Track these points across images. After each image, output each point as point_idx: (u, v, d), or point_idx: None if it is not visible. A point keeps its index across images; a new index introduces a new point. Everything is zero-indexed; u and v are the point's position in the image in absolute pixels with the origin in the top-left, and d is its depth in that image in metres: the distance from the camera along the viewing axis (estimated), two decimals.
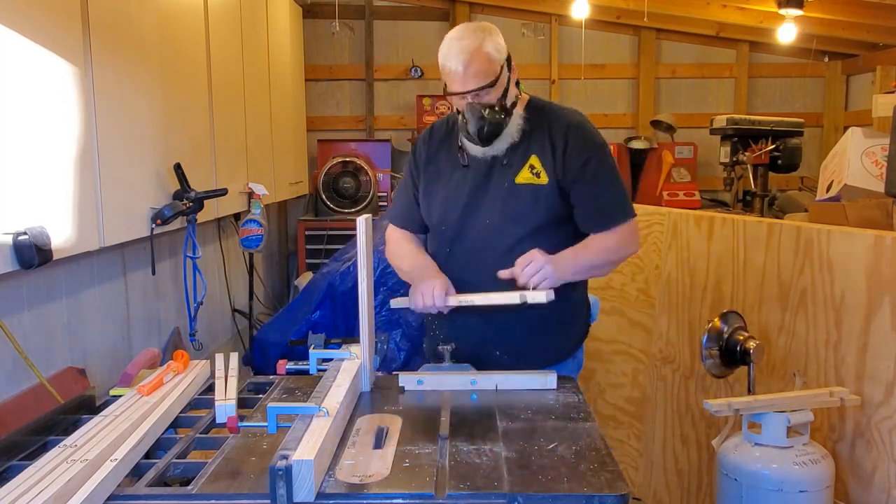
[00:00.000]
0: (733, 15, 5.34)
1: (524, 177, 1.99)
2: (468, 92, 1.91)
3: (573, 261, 1.97)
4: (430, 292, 1.96)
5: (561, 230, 2.01)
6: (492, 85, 1.90)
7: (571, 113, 2.06)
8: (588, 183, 1.98)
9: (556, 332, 2.09)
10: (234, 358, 1.92)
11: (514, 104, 1.98)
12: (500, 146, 1.99)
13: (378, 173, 5.30)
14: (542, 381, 1.85)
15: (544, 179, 1.98)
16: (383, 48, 5.80)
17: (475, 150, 2.00)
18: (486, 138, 1.95)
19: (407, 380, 1.85)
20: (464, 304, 1.97)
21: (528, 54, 5.90)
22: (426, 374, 1.88)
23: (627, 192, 2.08)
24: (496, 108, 1.93)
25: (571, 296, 2.09)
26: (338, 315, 3.61)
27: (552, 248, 1.96)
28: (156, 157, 2.58)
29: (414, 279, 2.06)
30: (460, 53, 1.88)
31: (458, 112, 1.98)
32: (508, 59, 1.96)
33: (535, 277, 1.88)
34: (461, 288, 2.01)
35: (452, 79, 1.91)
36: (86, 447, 1.38)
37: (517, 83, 2.04)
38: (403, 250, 2.17)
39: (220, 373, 1.85)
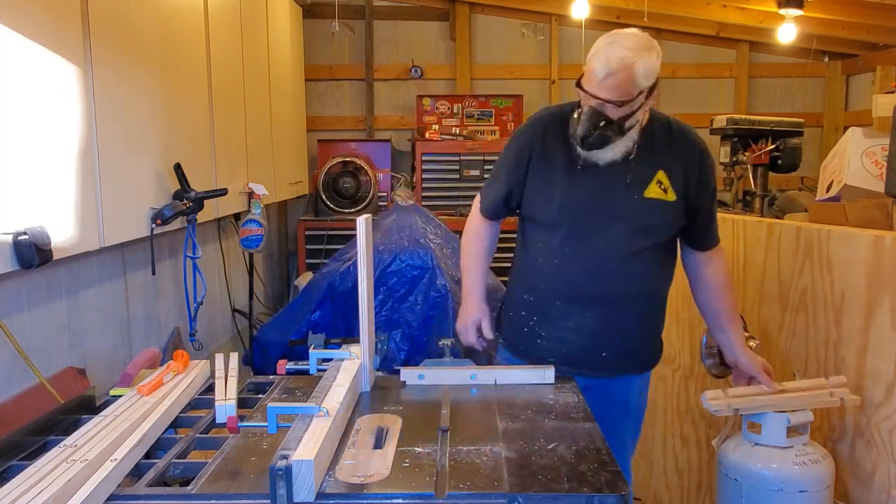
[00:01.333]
0: (733, 15, 5.34)
1: (653, 191, 2.01)
2: (597, 98, 1.87)
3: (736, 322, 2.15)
4: (466, 336, 2.17)
5: (673, 243, 2.13)
6: (621, 105, 1.87)
7: (697, 135, 2.10)
8: (709, 206, 2.10)
9: (656, 336, 2.19)
10: (234, 358, 1.92)
11: (633, 126, 1.95)
12: (601, 156, 1.98)
13: (378, 173, 5.30)
14: (540, 375, 1.86)
15: (672, 196, 2.02)
16: (383, 48, 5.80)
17: (583, 152, 1.98)
18: (587, 145, 1.94)
19: (408, 374, 1.86)
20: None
21: (528, 54, 5.90)
22: (426, 368, 1.89)
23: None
24: (612, 125, 1.90)
25: (664, 303, 2.18)
26: (338, 315, 3.61)
27: (665, 258, 2.10)
28: (156, 157, 2.58)
29: (464, 296, 2.21)
30: (611, 62, 1.82)
31: (580, 107, 1.95)
32: (653, 87, 1.91)
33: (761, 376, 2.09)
34: (583, 290, 2.04)
35: (591, 77, 1.87)
36: (86, 447, 1.38)
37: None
38: (474, 258, 2.22)
39: (220, 373, 1.85)
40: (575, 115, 1.96)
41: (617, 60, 1.82)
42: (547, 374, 1.86)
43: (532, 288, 2.11)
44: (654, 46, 1.88)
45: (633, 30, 1.90)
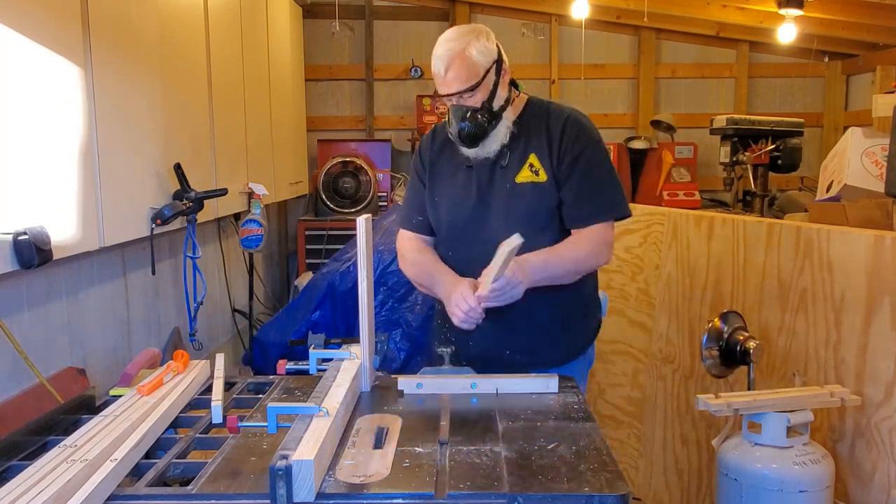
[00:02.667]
0: (733, 15, 5.34)
1: (524, 176, 2.00)
2: (450, 95, 1.93)
3: (543, 270, 1.93)
4: (464, 302, 1.89)
5: (564, 228, 2.03)
6: (472, 89, 1.90)
7: (570, 110, 2.07)
8: (577, 176, 1.98)
9: (568, 330, 2.09)
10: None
11: (503, 107, 1.97)
12: (489, 148, 1.99)
13: (378, 173, 5.30)
14: (544, 384, 1.83)
15: (543, 177, 1.98)
16: (383, 48, 5.81)
17: (467, 151, 2.01)
18: (466, 140, 1.96)
19: (406, 383, 1.84)
20: (488, 291, 1.87)
21: (528, 54, 5.90)
22: (425, 377, 1.88)
23: (618, 193, 2.04)
24: (479, 111, 1.93)
25: (582, 292, 2.09)
26: (338, 315, 3.61)
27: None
28: (156, 157, 2.58)
29: (440, 294, 2.04)
30: (443, 56, 1.90)
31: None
32: (499, 62, 1.95)
33: (507, 294, 1.85)
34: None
35: (437, 81, 1.95)
36: (86, 447, 1.38)
37: (514, 84, 2.04)
38: (428, 263, 2.10)
39: (218, 373, 1.85)
40: (446, 120, 2.00)
41: (446, 52, 1.90)
42: (551, 383, 1.82)
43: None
44: (479, 30, 1.94)
45: (453, 27, 1.98)
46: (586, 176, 1.98)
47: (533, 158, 2.00)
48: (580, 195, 1.98)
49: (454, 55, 1.89)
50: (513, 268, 1.85)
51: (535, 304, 1.96)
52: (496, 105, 1.96)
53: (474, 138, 1.96)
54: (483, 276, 1.87)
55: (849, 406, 2.09)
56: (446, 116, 2.00)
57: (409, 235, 2.19)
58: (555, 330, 2.06)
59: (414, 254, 2.15)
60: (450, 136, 2.01)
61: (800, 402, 2.06)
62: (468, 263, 2.02)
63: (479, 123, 1.93)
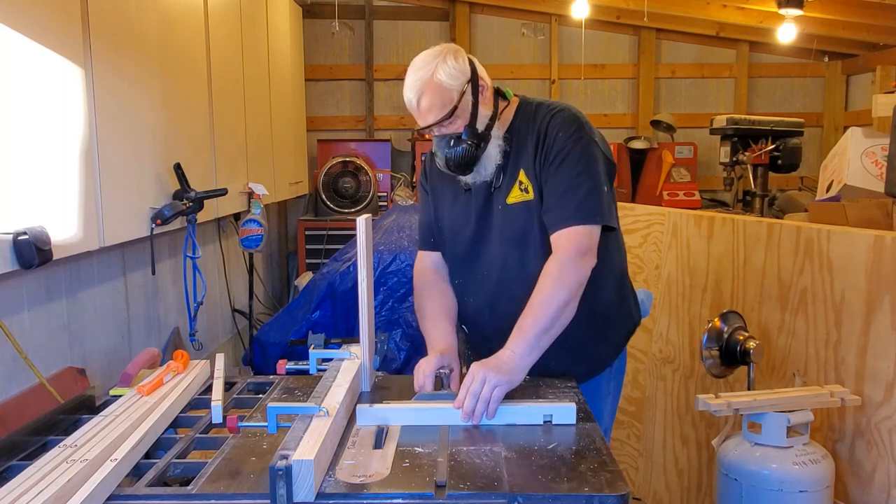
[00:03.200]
0: (733, 15, 5.35)
1: (514, 195, 1.84)
2: (428, 127, 1.80)
3: (521, 345, 1.68)
4: (420, 374, 1.76)
5: None
6: (449, 116, 1.77)
7: (559, 107, 1.88)
8: (554, 175, 1.79)
9: (590, 344, 1.93)
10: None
11: (489, 125, 1.82)
12: (485, 171, 1.85)
13: (378, 173, 5.30)
14: (559, 413, 1.61)
15: (531, 193, 1.82)
16: (383, 48, 5.81)
17: (467, 178, 1.87)
18: (456, 169, 1.83)
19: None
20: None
21: (528, 54, 5.90)
22: (420, 403, 1.67)
23: (598, 196, 1.79)
24: (463, 137, 1.78)
25: (595, 303, 1.87)
26: (338, 315, 3.61)
27: None
28: (156, 157, 2.58)
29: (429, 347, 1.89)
30: (411, 87, 1.80)
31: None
32: (474, 80, 1.79)
33: (483, 393, 1.58)
34: (480, 318, 1.91)
35: (415, 115, 1.83)
36: (86, 447, 1.38)
37: (500, 94, 1.89)
38: (429, 310, 1.96)
39: (218, 373, 1.85)
40: (432, 152, 1.90)
41: (413, 82, 1.80)
42: (566, 411, 1.61)
43: (462, 321, 2.02)
44: (445, 50, 1.81)
45: (423, 52, 1.86)
46: (561, 175, 1.78)
47: (522, 175, 1.84)
48: (552, 197, 1.79)
49: (423, 84, 1.78)
50: (474, 370, 1.62)
51: None
52: (480, 126, 1.80)
53: (464, 166, 1.81)
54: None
55: (849, 406, 2.09)
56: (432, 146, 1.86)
57: (428, 261, 2.03)
58: (574, 346, 1.85)
59: (421, 292, 2.00)
60: (438, 167, 1.88)
61: (800, 402, 2.06)
62: (471, 292, 1.94)
63: (466, 149, 1.78)
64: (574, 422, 1.59)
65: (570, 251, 1.74)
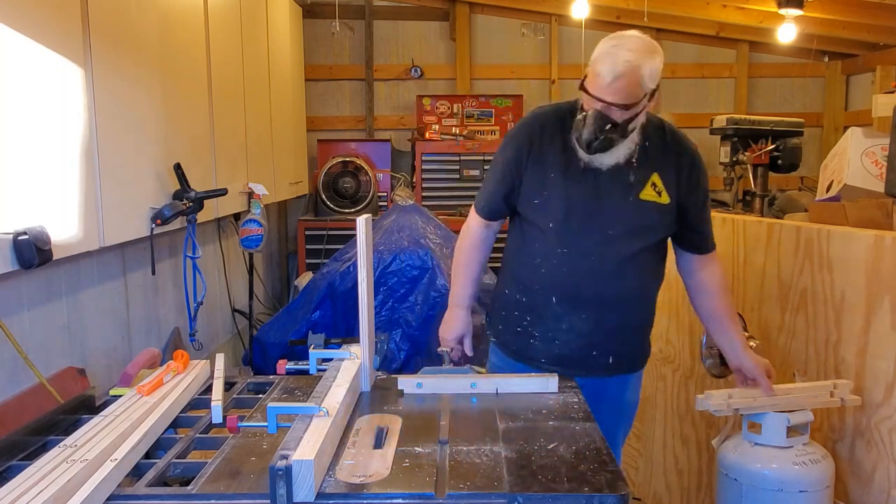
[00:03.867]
0: (733, 15, 5.34)
1: (647, 194, 2.01)
2: (605, 102, 1.85)
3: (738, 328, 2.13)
4: (454, 344, 2.17)
5: (664, 246, 2.13)
6: (628, 107, 1.86)
7: (688, 139, 2.12)
8: (702, 210, 2.09)
9: (646, 335, 2.19)
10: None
11: (634, 129, 1.95)
12: (604, 160, 1.97)
13: (378, 173, 5.31)
14: (543, 384, 1.84)
15: (666, 199, 2.02)
16: (383, 48, 5.80)
17: (584, 155, 1.97)
18: (592, 149, 1.92)
19: (406, 383, 1.84)
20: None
21: (528, 54, 5.90)
22: (425, 377, 1.88)
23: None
24: (617, 128, 1.89)
25: (654, 303, 2.18)
26: (338, 315, 3.61)
27: (658, 260, 2.11)
28: (156, 157, 2.58)
29: (450, 307, 2.20)
30: (617, 65, 1.81)
31: (583, 110, 1.92)
32: (656, 88, 1.91)
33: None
34: (578, 291, 2.03)
35: (597, 82, 1.85)
36: (86, 447, 1.38)
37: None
38: (468, 259, 2.21)
39: (218, 373, 1.85)
40: (579, 118, 1.93)
41: (624, 63, 1.81)
42: (550, 382, 1.84)
43: (527, 288, 2.09)
44: (657, 49, 1.88)
45: (635, 32, 1.89)
46: (707, 210, 2.11)
47: (656, 178, 2.01)
48: (703, 222, 2.10)
49: (629, 69, 1.81)
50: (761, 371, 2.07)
51: (624, 311, 2.06)
52: (633, 126, 1.93)
53: (599, 150, 1.93)
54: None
55: (849, 406, 2.09)
56: (581, 115, 1.92)
57: (480, 221, 2.18)
58: (636, 336, 2.16)
59: (470, 249, 2.21)
60: (576, 134, 1.94)
61: (799, 401, 2.06)
62: (577, 266, 2.02)
63: (612, 139, 1.91)
64: (556, 390, 1.82)
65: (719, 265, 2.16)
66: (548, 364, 2.04)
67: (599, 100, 1.85)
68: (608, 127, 1.88)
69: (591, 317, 2.04)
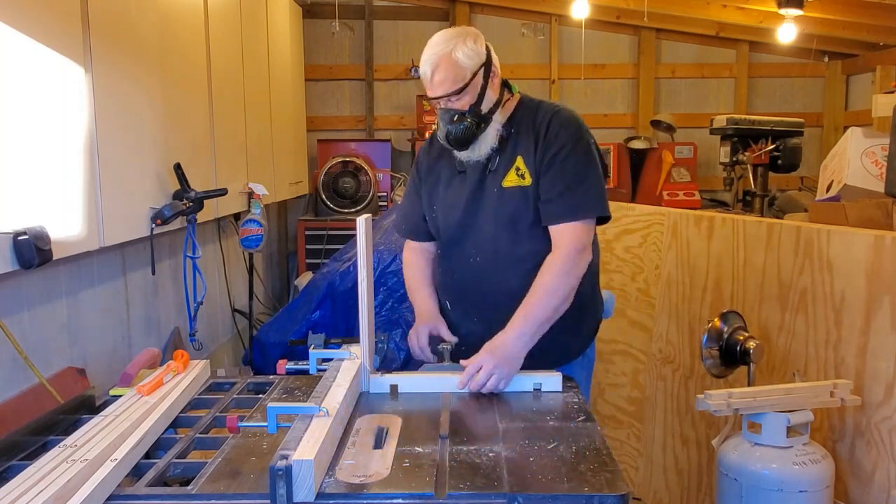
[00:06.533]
0: (733, 15, 5.34)
1: (510, 180, 1.97)
2: (435, 98, 1.92)
3: (523, 331, 1.85)
4: (414, 341, 2.09)
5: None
6: (458, 92, 1.89)
7: (560, 106, 2.02)
8: (554, 171, 1.92)
9: (563, 333, 2.00)
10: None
11: (493, 109, 1.95)
12: (480, 151, 1.98)
13: (378, 173, 5.30)
14: (545, 381, 1.84)
15: (528, 180, 1.95)
16: (383, 48, 5.81)
17: (461, 154, 2.00)
18: (454, 143, 1.96)
19: (406, 381, 1.85)
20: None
21: (528, 54, 5.90)
22: (426, 374, 1.88)
23: (596, 192, 1.94)
24: (467, 114, 1.92)
25: (578, 294, 1.98)
26: (338, 315, 3.61)
27: (543, 251, 1.93)
28: (156, 157, 2.58)
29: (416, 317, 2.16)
30: (428, 60, 1.90)
31: None
32: (487, 65, 1.93)
33: (490, 384, 1.79)
34: (464, 295, 2.06)
35: (425, 85, 1.95)
36: (86, 447, 1.38)
37: (507, 85, 2.03)
38: (411, 283, 2.21)
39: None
40: (435, 125, 2.00)
41: (431, 55, 1.90)
42: (552, 380, 1.83)
43: (440, 297, 2.16)
44: (466, 32, 1.93)
45: (443, 29, 1.97)
46: (564, 172, 1.92)
47: (520, 161, 1.97)
48: (553, 191, 1.92)
49: (440, 58, 1.88)
50: (481, 356, 1.82)
51: (517, 305, 1.91)
52: (485, 108, 1.94)
53: (462, 142, 1.95)
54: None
55: (849, 406, 2.09)
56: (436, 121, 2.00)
57: (408, 246, 2.24)
58: (549, 335, 1.94)
59: (411, 270, 2.22)
60: (438, 139, 2.01)
61: (799, 401, 2.05)
62: (459, 270, 2.06)
63: (468, 127, 1.92)
64: (560, 389, 1.81)
65: (571, 247, 1.91)
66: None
67: (433, 99, 1.94)
68: (455, 117, 1.92)
69: (481, 320, 2.01)
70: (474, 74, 1.90)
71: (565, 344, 2.07)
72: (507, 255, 1.98)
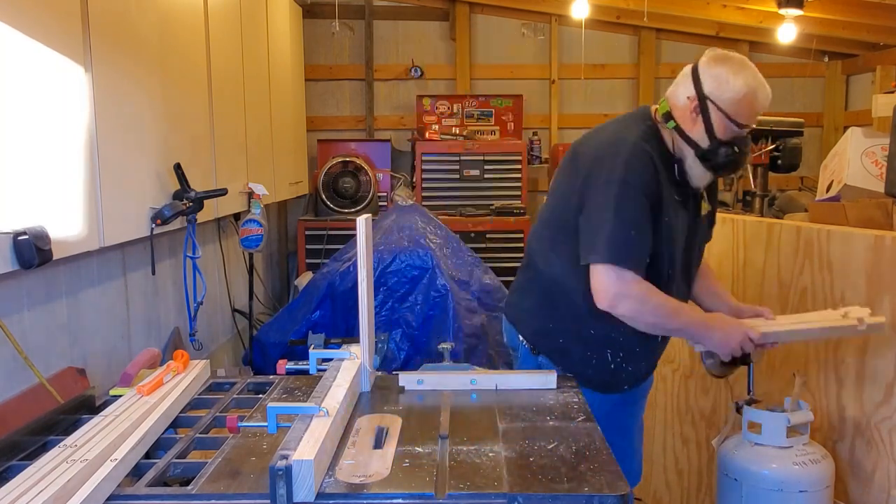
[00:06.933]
0: (733, 15, 5.34)
1: (703, 206, 2.09)
2: (748, 127, 1.95)
3: None
4: (745, 339, 1.99)
5: None
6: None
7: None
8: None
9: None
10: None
11: None
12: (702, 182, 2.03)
13: (378, 173, 5.30)
14: (542, 380, 1.85)
15: (707, 205, 2.10)
16: (383, 48, 5.80)
17: (701, 181, 1.99)
18: (738, 168, 2.05)
19: (407, 379, 1.85)
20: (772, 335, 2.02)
21: (528, 54, 5.90)
22: (426, 373, 1.88)
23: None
24: None
25: None
26: (338, 315, 3.61)
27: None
28: (156, 156, 2.58)
29: (709, 327, 1.98)
30: (769, 96, 1.93)
31: (721, 142, 1.91)
32: None
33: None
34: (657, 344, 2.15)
35: (755, 114, 1.93)
36: (86, 447, 1.38)
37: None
38: (671, 304, 1.93)
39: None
40: (730, 148, 1.92)
41: (769, 93, 1.93)
42: (549, 379, 1.85)
43: (622, 331, 1.95)
44: None
45: (743, 58, 1.96)
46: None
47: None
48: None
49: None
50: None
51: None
52: None
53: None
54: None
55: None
56: (717, 144, 1.91)
57: (626, 279, 1.84)
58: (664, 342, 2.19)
59: (653, 296, 1.90)
60: (720, 162, 1.93)
61: (821, 329, 2.03)
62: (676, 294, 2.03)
63: None
64: (555, 387, 1.84)
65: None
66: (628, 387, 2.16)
67: (747, 126, 1.93)
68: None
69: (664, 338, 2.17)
70: None
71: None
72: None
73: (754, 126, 1.95)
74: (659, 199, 1.88)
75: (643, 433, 2.30)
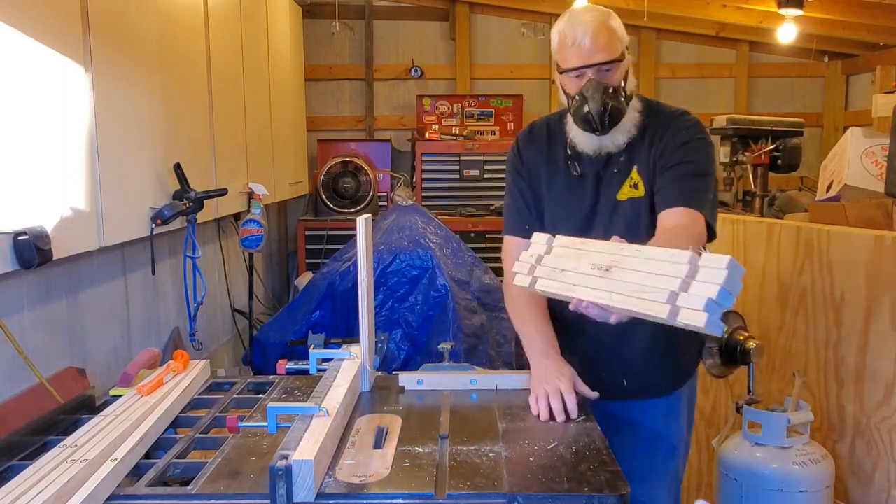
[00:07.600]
0: (733, 15, 5.34)
1: (624, 192, 1.82)
2: (593, 65, 1.73)
3: None
4: (557, 396, 1.65)
5: None
6: (618, 61, 1.74)
7: (681, 109, 1.89)
8: (679, 160, 1.76)
9: (670, 356, 1.92)
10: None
11: (631, 95, 1.82)
12: (618, 139, 1.80)
13: (378, 173, 5.31)
14: None
15: (642, 191, 1.81)
16: (383, 48, 5.80)
17: (587, 145, 1.81)
18: (607, 122, 1.75)
19: (407, 379, 1.85)
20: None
21: (528, 54, 5.90)
22: (426, 373, 1.88)
23: (713, 196, 1.77)
24: (618, 92, 1.75)
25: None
26: (338, 315, 3.61)
27: None
28: (156, 157, 2.58)
29: (533, 363, 1.79)
30: (588, 24, 1.71)
31: (572, 97, 1.77)
32: (626, 48, 1.80)
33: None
34: (574, 320, 1.62)
35: (574, 52, 1.73)
36: (86, 447, 1.38)
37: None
38: (523, 314, 1.86)
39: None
40: (574, 103, 1.77)
41: (590, 20, 1.73)
42: None
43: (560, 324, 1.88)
44: (609, 10, 1.79)
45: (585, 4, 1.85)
46: (686, 162, 1.76)
47: (634, 172, 1.82)
48: (668, 176, 1.76)
49: (599, 24, 1.72)
50: None
51: (631, 331, 1.76)
52: (628, 90, 1.79)
53: (613, 122, 1.76)
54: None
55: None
56: (573, 100, 1.77)
57: (519, 252, 1.71)
58: (651, 363, 1.88)
59: (522, 301, 1.85)
60: (581, 119, 1.77)
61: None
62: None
63: (620, 104, 1.75)
64: None
65: (694, 235, 1.64)
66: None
67: (590, 66, 1.73)
68: (611, 91, 1.74)
69: (587, 341, 1.86)
70: (624, 50, 1.77)
71: (679, 365, 1.97)
72: None
73: (597, 61, 1.71)
74: (538, 176, 1.91)
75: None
